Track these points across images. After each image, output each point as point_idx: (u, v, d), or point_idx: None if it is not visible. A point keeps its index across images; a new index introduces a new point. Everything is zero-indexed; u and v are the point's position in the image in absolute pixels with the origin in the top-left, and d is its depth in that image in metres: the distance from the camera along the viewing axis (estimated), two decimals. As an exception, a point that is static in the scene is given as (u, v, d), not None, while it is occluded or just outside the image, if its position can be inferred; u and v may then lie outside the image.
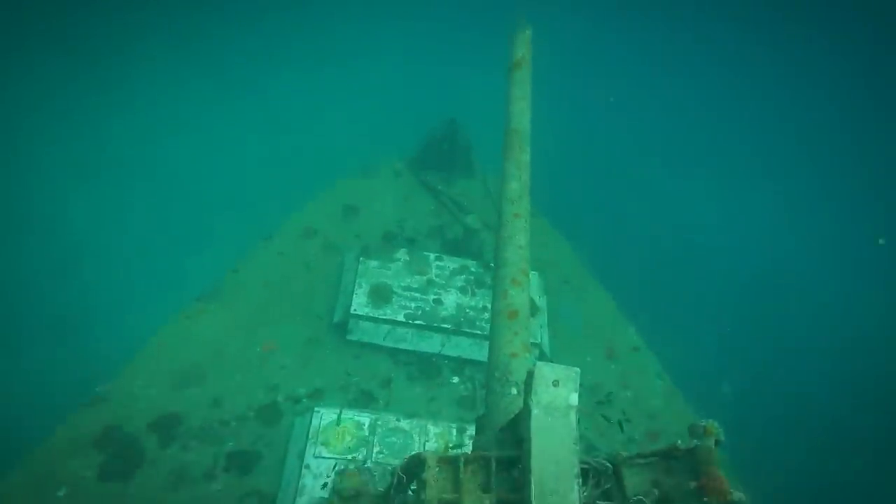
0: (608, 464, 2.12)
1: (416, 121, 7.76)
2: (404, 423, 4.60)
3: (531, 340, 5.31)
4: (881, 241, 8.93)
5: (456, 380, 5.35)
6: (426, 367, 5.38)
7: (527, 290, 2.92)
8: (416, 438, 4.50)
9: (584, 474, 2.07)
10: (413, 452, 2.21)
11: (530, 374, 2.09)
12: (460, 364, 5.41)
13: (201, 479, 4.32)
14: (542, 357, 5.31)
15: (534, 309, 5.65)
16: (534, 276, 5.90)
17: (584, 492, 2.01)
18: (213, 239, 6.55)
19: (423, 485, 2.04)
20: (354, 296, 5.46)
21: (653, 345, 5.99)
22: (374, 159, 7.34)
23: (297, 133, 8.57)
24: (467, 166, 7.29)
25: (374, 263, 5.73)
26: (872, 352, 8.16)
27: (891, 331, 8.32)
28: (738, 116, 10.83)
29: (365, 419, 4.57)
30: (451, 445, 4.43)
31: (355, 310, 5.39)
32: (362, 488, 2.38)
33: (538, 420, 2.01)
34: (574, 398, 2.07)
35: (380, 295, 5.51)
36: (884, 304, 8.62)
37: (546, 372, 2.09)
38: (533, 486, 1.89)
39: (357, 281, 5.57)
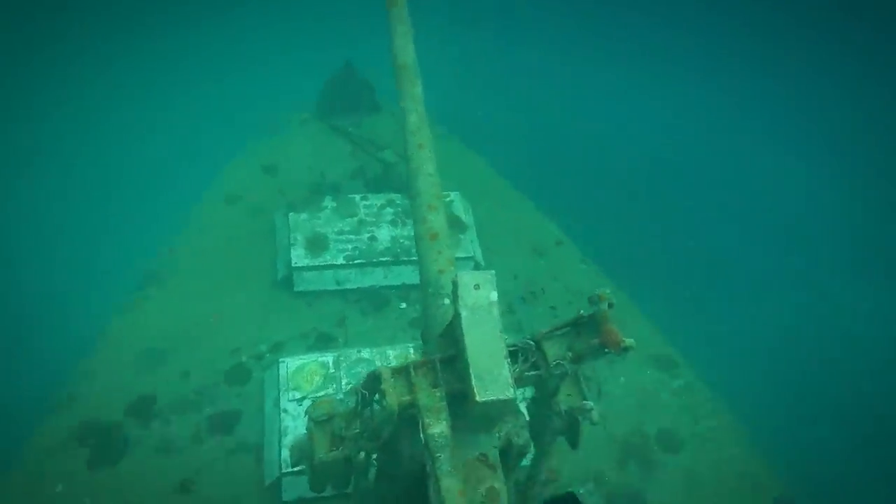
0: (531, 341, 2.56)
1: (312, 68, 7.72)
2: (365, 353, 4.98)
3: (466, 255, 5.74)
4: None
5: (404, 305, 5.72)
6: (375, 300, 5.72)
7: (443, 212, 3.23)
8: (379, 364, 4.87)
9: (513, 355, 2.49)
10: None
11: (455, 284, 2.45)
12: (405, 290, 5.76)
13: (189, 445, 4.60)
14: (477, 267, 5.72)
15: (462, 226, 6.02)
16: (456, 196, 6.22)
17: (514, 369, 2.43)
18: (142, 223, 6.49)
19: (382, 394, 2.40)
20: (292, 249, 5.67)
21: (574, 237, 6.51)
22: (281, 114, 7.33)
23: (201, 101, 8.35)
24: (372, 104, 7.39)
25: (303, 216, 5.91)
26: (801, 232, 8.80)
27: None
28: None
29: (328, 358, 4.92)
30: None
31: (296, 263, 5.61)
32: (333, 411, 2.73)
33: (467, 320, 2.39)
34: (494, 296, 2.46)
35: (316, 244, 5.74)
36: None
37: (467, 279, 2.46)
38: (472, 374, 2.27)
39: (291, 235, 5.75)
